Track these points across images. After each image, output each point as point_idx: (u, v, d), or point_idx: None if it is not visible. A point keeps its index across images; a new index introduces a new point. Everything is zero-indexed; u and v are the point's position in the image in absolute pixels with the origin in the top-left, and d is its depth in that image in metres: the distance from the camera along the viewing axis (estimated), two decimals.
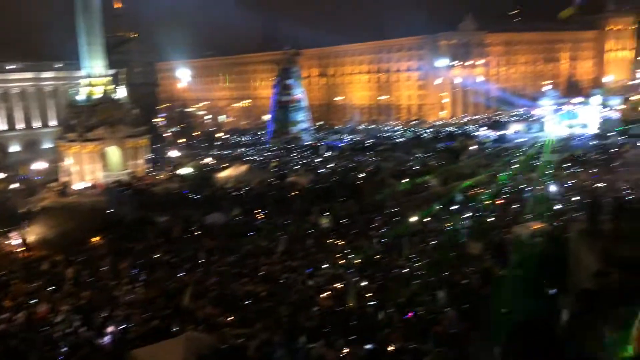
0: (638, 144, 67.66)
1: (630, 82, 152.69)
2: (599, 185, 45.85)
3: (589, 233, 18.23)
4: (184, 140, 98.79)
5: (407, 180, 49.72)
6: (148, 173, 62.28)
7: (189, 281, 23.96)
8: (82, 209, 45.11)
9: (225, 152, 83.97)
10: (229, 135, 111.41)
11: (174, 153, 78.18)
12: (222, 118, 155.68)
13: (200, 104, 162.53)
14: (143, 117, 72.98)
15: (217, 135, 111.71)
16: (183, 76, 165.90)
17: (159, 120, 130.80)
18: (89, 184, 58.06)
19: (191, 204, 43.67)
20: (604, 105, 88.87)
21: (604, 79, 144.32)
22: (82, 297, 23.29)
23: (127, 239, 33.24)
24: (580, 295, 11.32)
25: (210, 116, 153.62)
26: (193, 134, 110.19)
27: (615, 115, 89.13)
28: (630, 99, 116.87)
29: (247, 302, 21.43)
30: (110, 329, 19.16)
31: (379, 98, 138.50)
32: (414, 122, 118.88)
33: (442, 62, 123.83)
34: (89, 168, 59.57)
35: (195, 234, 34.05)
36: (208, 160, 71.50)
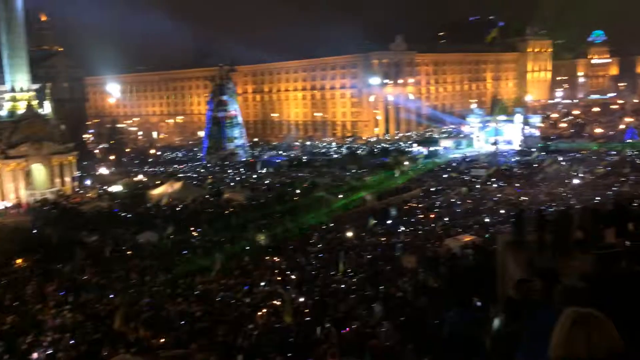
0: (559, 159, 71.79)
1: (550, 101, 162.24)
2: (523, 198, 48.26)
3: (514, 244, 19.09)
4: (115, 157, 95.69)
5: (343, 195, 50.37)
6: (76, 191, 59.87)
7: (120, 303, 23.14)
8: (5, 229, 42.77)
9: (158, 169, 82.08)
10: (162, 152, 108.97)
11: (103, 170, 75.60)
12: (154, 134, 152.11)
13: (132, 120, 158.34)
14: (70, 133, 70.24)
15: (149, 151, 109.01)
16: (113, 91, 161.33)
17: (87, 136, 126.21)
18: (12, 203, 55.20)
19: (122, 223, 42.30)
20: (526, 123, 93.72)
21: (526, 98, 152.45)
22: (5, 322, 21.99)
23: (54, 260, 31.73)
24: (504, 304, 11.90)
25: (142, 132, 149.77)
26: (124, 151, 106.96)
27: (536, 132, 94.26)
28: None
29: (181, 323, 20.93)
30: (35, 355, 18.18)
31: (314, 115, 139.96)
32: (349, 138, 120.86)
33: (375, 80, 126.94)
34: (12, 186, 56.62)
35: (127, 253, 32.97)
36: (140, 177, 69.64)
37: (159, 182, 61.69)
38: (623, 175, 57.89)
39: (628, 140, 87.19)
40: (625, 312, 3.57)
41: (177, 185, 54.81)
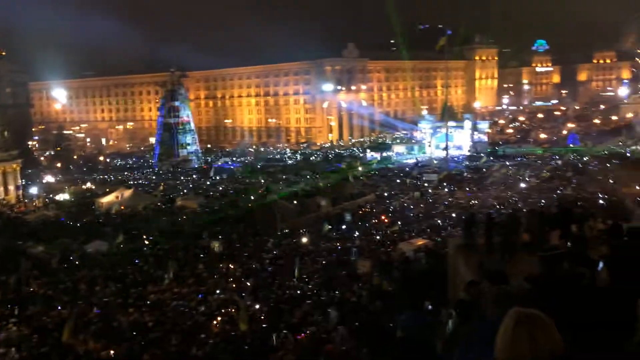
0: (507, 164, 74.05)
1: (497, 108, 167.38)
2: (473, 202, 49.52)
3: (465, 247, 19.59)
4: (61, 164, 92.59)
5: (298, 201, 50.43)
6: (20, 200, 57.61)
7: (69, 315, 22.38)
8: None
9: (107, 177, 79.95)
10: (111, 159, 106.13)
11: (50, 178, 73.06)
12: (103, 141, 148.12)
13: (79, 127, 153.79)
14: (14, 140, 67.67)
15: (98, 158, 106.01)
16: (59, 97, 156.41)
17: (32, 143, 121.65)
18: None
19: (70, 232, 40.95)
20: (475, 129, 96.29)
21: (475, 105, 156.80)
22: None
23: None
24: (455, 306, 12.22)
25: (90, 139, 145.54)
26: (71, 158, 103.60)
27: (485, 138, 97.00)
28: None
29: (133, 333, 20.44)
30: None
31: (268, 121, 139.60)
32: (303, 144, 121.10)
33: (328, 86, 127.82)
34: None
35: (75, 263, 31.93)
36: (89, 185, 67.64)
37: (108, 189, 60.10)
38: (566, 178, 60.24)
39: (570, 145, 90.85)
40: (567, 312, 3.74)
41: (128, 192, 53.56)
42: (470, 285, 5.74)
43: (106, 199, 53.32)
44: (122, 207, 50.22)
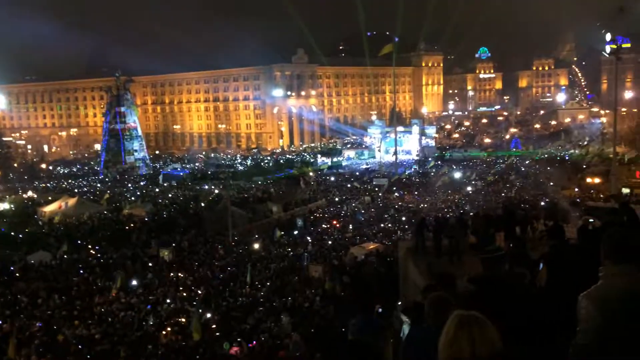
0: (453, 167, 75.98)
1: (444, 113, 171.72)
2: (422, 205, 50.57)
3: (415, 251, 20.01)
4: (1, 172, 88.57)
5: (249, 207, 50.12)
6: None
7: (11, 329, 21.44)
8: None
9: (50, 185, 77.07)
10: (54, 166, 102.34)
11: None
12: (45, 148, 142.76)
13: (19, 133, 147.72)
14: None
15: (40, 166, 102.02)
16: None
17: None
18: None
19: (11, 243, 39.20)
20: (423, 134, 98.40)
21: (422, 110, 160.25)
22: None
23: None
24: (411, 310, 12.51)
25: (31, 146, 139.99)
26: (11, 166, 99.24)
27: (432, 142, 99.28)
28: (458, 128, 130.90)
29: (79, 347, 19.79)
30: None
31: (218, 126, 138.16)
32: (254, 150, 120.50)
33: (278, 92, 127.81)
34: None
35: (17, 275, 30.58)
36: (30, 193, 65.00)
37: (51, 198, 57.92)
38: (510, 182, 62.40)
39: (513, 149, 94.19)
40: (507, 312, 3.91)
41: (72, 201, 51.73)
42: (426, 290, 5.91)
43: (49, 208, 51.37)
44: (66, 216, 48.49)
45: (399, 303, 17.66)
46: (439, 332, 2.98)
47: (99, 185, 76.63)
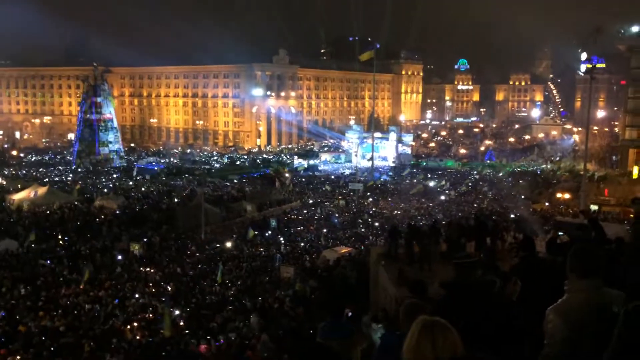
0: (429, 177, 76.77)
1: (421, 122, 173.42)
2: (396, 212, 50.97)
3: (387, 256, 20.21)
4: None
5: (223, 205, 49.86)
6: None
7: None
8: None
9: (20, 172, 75.47)
10: (25, 154, 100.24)
11: None
12: (17, 134, 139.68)
13: None
14: None
15: (10, 152, 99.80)
16: None
17: None
18: None
19: None
20: (400, 141, 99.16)
21: (400, 118, 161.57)
22: None
23: None
24: (380, 316, 12.64)
25: (2, 132, 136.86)
26: None
27: (409, 150, 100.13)
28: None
29: (42, 339, 19.43)
30: None
31: (195, 122, 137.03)
32: (231, 148, 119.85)
33: (258, 91, 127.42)
34: None
35: None
36: None
37: (20, 186, 56.72)
38: (483, 193, 63.32)
39: (487, 161, 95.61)
40: (475, 318, 4.03)
41: (42, 190, 50.74)
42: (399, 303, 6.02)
43: (18, 196, 50.30)
44: (36, 205, 47.55)
45: (369, 311, 17.81)
46: (400, 338, 3.09)
47: (70, 175, 75.35)
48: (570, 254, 3.82)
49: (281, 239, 38.61)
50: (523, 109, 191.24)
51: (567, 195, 56.36)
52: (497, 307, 4.11)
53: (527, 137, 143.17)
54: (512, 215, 43.40)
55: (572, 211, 45.68)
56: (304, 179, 74.41)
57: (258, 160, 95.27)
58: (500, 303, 4.21)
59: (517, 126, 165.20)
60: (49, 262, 29.88)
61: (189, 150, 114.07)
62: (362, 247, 34.21)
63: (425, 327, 3.05)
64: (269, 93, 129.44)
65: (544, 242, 11.62)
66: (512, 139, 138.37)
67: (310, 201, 56.80)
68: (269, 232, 40.94)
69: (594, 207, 46.99)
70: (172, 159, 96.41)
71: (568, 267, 3.82)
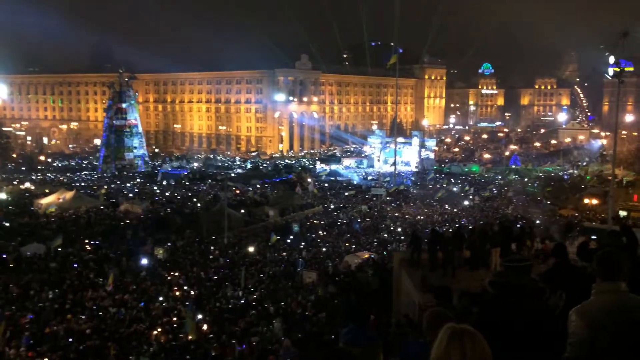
0: (452, 181, 76.08)
1: (444, 127, 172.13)
2: (419, 217, 50.58)
3: (409, 262, 20.04)
4: None
5: (246, 210, 50.10)
6: None
7: (0, 320, 21.33)
8: None
9: (47, 177, 76.97)
10: (53, 159, 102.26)
11: None
12: (45, 140, 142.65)
13: (20, 124, 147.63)
14: None
15: (39, 158, 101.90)
16: (0, 92, 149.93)
17: None
18: None
19: (5, 233, 39.10)
20: (422, 146, 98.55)
21: (423, 122, 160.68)
22: None
23: None
24: (403, 322, 12.55)
25: (30, 137, 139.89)
26: (10, 156, 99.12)
27: (432, 155, 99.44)
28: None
29: (69, 341, 19.71)
30: None
31: (218, 128, 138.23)
32: (253, 153, 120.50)
33: (280, 96, 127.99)
34: None
35: (10, 266, 30.49)
36: (27, 185, 64.88)
37: (48, 190, 57.85)
38: (507, 198, 62.47)
39: (512, 166, 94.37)
40: (520, 323, 3.95)
41: (69, 194, 51.68)
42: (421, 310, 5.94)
43: (46, 200, 51.30)
44: (63, 210, 48.42)
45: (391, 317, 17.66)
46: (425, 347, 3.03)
47: (96, 180, 76.59)
48: (596, 258, 3.91)
49: (303, 243, 38.60)
50: (549, 113, 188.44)
51: (595, 201, 55.26)
52: (544, 314, 4.03)
53: (554, 141, 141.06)
54: (537, 222, 42.72)
55: (601, 217, 44.81)
56: (326, 184, 74.38)
57: (280, 166, 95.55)
58: (547, 311, 4.13)
59: (542, 131, 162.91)
60: (75, 265, 30.34)
61: (212, 156, 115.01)
62: (385, 253, 33.99)
63: (454, 335, 3.00)
64: (291, 98, 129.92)
65: (576, 246, 11.40)
66: (538, 144, 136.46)
67: (333, 206, 56.72)
68: (291, 237, 40.97)
69: (623, 213, 46.00)
70: (195, 164, 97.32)
71: (594, 271, 3.91)
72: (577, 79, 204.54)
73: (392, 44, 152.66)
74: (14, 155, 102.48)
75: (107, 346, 19.19)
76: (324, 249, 37.14)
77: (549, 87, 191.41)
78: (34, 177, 74.43)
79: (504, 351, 3.04)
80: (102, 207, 50.53)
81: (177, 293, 25.94)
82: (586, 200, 56.53)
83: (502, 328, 2.98)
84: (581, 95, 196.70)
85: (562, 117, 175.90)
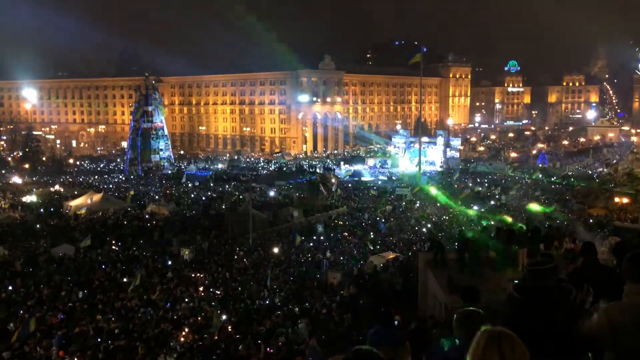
0: (478, 181, 75.19)
1: (470, 126, 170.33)
2: (445, 217, 50.10)
3: (435, 263, 19.87)
4: (29, 165, 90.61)
5: (270, 211, 50.29)
6: None
7: (30, 315, 21.76)
8: None
9: (76, 179, 78.49)
10: (81, 162, 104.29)
11: (17, 179, 71.42)
12: (74, 143, 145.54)
13: (49, 128, 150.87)
14: None
15: (68, 161, 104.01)
16: (29, 97, 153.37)
17: (0, 143, 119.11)
18: None
19: (36, 235, 40.01)
20: (447, 145, 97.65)
21: (448, 122, 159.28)
22: None
23: None
24: (429, 323, 12.46)
25: (60, 141, 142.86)
26: (40, 160, 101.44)
27: (457, 154, 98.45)
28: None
29: (98, 340, 20.04)
30: None
31: (243, 129, 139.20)
32: (277, 154, 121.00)
33: (304, 97, 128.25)
34: None
35: (40, 267, 31.17)
36: (57, 187, 66.27)
37: (77, 193, 58.99)
38: (535, 197, 61.43)
39: (540, 165, 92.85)
40: (548, 327, 3.86)
41: (97, 196, 52.61)
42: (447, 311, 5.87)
43: (75, 202, 52.30)
44: (91, 211, 49.32)
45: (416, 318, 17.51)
46: (468, 347, 2.97)
47: (123, 182, 77.79)
48: (625, 259, 3.81)
49: (327, 244, 38.58)
50: (577, 111, 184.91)
51: (625, 200, 54.01)
52: (573, 315, 3.93)
53: (582, 139, 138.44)
54: (564, 222, 41.94)
55: (632, 216, 43.79)
56: (350, 185, 74.23)
57: (304, 167, 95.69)
58: (575, 311, 4.02)
59: (571, 128, 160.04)
60: (104, 266, 30.87)
61: (236, 157, 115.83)
62: (410, 253, 33.76)
63: (492, 339, 2.92)
64: (314, 99, 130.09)
65: (609, 247, 11.17)
66: (566, 142, 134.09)
67: (357, 207, 56.56)
68: (315, 238, 41.00)
69: None
70: (220, 166, 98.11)
71: (623, 273, 3.81)
72: (606, 75, 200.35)
73: (415, 42, 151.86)
74: (44, 159, 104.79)
75: (136, 346, 19.44)
76: (348, 250, 37.06)
77: (577, 84, 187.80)
78: (63, 180, 75.94)
79: (535, 355, 2.97)
80: (129, 209, 51.29)
81: (203, 293, 26.18)
82: (616, 199, 55.31)
83: (531, 332, 2.91)
84: (610, 92, 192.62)
85: (591, 114, 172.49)
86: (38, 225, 43.57)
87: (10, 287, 26.91)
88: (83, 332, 21.04)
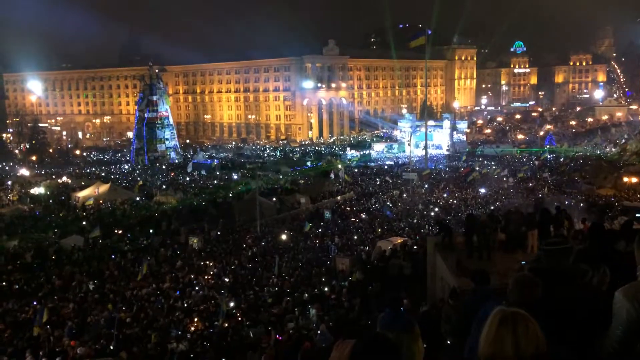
0: (485, 163, 74.85)
1: (476, 108, 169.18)
2: (452, 201, 49.94)
3: (443, 246, 19.77)
4: (36, 157, 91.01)
5: (277, 198, 50.33)
6: None
7: (44, 305, 21.97)
8: None
9: (84, 171, 78.80)
10: (88, 153, 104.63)
11: (24, 171, 71.75)
12: (80, 134, 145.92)
13: (55, 119, 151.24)
14: None
15: (74, 152, 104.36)
16: (35, 89, 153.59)
17: (6, 136, 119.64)
18: None
19: (46, 227, 40.26)
20: (454, 129, 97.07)
21: (454, 104, 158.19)
22: None
23: None
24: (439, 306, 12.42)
25: (66, 132, 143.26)
26: (47, 151, 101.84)
27: (463, 137, 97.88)
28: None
29: (110, 330, 20.18)
30: None
31: (248, 117, 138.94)
32: (283, 141, 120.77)
33: (308, 83, 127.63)
34: None
35: (51, 258, 31.40)
36: (64, 179, 66.54)
37: (84, 184, 59.22)
38: (543, 179, 61.12)
39: (547, 146, 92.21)
40: (564, 309, 3.78)
41: (105, 187, 52.80)
42: (452, 296, 5.78)
43: (83, 193, 52.53)
44: (99, 202, 49.54)
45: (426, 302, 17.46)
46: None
47: (129, 172, 77.99)
48: (638, 239, 3.71)
49: (336, 229, 38.60)
50: (585, 91, 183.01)
51: (634, 179, 53.60)
52: (590, 297, 3.84)
53: (590, 119, 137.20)
54: (572, 202, 41.67)
55: None
56: (356, 170, 74.09)
57: (310, 153, 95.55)
58: (592, 293, 3.93)
59: (578, 109, 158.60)
60: (113, 256, 31.05)
61: (242, 145, 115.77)
62: (418, 237, 33.70)
63: (505, 319, 2.82)
64: (319, 85, 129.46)
65: (620, 225, 11.03)
66: (573, 122, 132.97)
67: (364, 192, 56.47)
68: (323, 224, 41.01)
69: None
70: (226, 154, 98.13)
71: (636, 253, 3.72)
72: (614, 54, 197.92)
73: (420, 25, 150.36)
74: (51, 151, 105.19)
75: (148, 334, 19.57)
76: (355, 236, 37.05)
77: (584, 64, 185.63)
78: (70, 171, 76.24)
79: (550, 338, 2.88)
80: (137, 199, 51.47)
81: (212, 281, 26.29)
82: (625, 179, 54.90)
83: (546, 315, 2.82)
84: (618, 71, 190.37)
85: (598, 94, 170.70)
86: (47, 217, 43.84)
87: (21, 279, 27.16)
88: (95, 322, 21.22)
